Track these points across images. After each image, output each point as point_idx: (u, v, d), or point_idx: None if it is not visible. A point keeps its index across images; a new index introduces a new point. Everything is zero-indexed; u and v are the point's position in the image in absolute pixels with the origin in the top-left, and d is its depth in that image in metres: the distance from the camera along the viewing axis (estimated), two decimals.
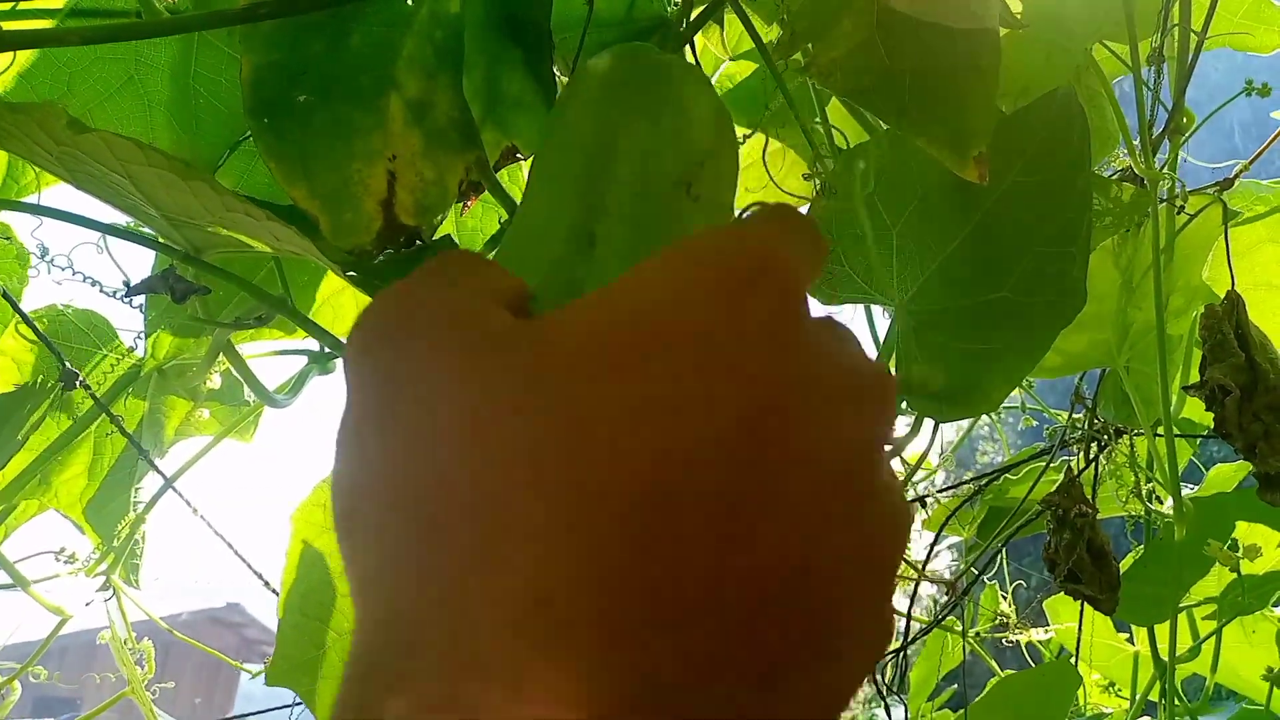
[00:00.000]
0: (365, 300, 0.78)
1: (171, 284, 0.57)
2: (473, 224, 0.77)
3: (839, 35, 0.60)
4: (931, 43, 0.56)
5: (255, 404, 0.80)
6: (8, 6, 0.53)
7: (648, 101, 0.36)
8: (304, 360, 0.75)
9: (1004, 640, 1.25)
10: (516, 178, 0.74)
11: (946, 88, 0.54)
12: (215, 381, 0.76)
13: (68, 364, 0.77)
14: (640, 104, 0.36)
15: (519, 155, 0.62)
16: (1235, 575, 0.89)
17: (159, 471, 0.79)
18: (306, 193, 0.52)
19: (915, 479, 1.13)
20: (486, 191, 0.60)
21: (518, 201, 0.62)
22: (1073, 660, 1.06)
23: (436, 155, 0.55)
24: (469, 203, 0.60)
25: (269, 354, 0.74)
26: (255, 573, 0.90)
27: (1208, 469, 1.17)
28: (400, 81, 0.55)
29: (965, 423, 1.11)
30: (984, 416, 1.24)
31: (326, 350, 0.71)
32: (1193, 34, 0.76)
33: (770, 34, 0.70)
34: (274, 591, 0.80)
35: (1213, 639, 0.98)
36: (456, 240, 0.55)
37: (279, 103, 0.52)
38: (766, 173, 0.66)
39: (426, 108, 0.56)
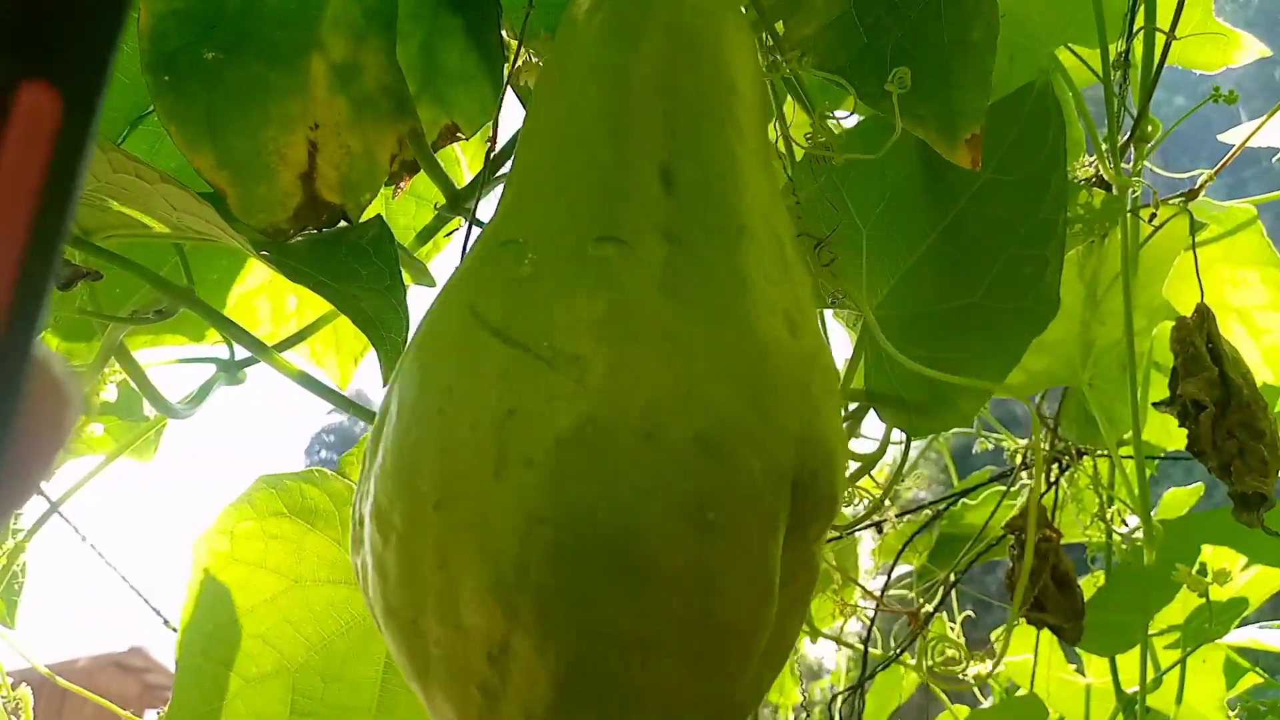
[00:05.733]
0: (283, 301, 0.70)
1: None
2: (404, 220, 0.70)
3: (811, 10, 0.55)
4: (914, 15, 0.51)
5: (156, 419, 0.72)
6: None
7: (672, 26, 0.32)
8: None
9: (959, 675, 1.20)
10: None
11: (933, 64, 0.49)
12: (109, 393, 0.68)
13: None
14: (666, 26, 0.32)
15: (460, 134, 0.55)
16: (1203, 600, 0.86)
17: (43, 494, 0.70)
18: (213, 161, 0.45)
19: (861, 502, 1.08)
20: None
21: (458, 185, 0.56)
22: (1023, 694, 1.02)
23: (364, 125, 0.49)
24: (403, 184, 0.53)
25: (170, 362, 0.66)
26: (154, 608, 0.81)
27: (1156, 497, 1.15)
28: (324, 41, 0.49)
29: (919, 443, 1.07)
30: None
31: (236, 358, 0.63)
32: (1159, 32, 0.73)
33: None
34: (174, 630, 0.72)
35: (1176, 669, 0.95)
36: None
37: (182, 58, 0.46)
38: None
39: (354, 72, 0.49)
